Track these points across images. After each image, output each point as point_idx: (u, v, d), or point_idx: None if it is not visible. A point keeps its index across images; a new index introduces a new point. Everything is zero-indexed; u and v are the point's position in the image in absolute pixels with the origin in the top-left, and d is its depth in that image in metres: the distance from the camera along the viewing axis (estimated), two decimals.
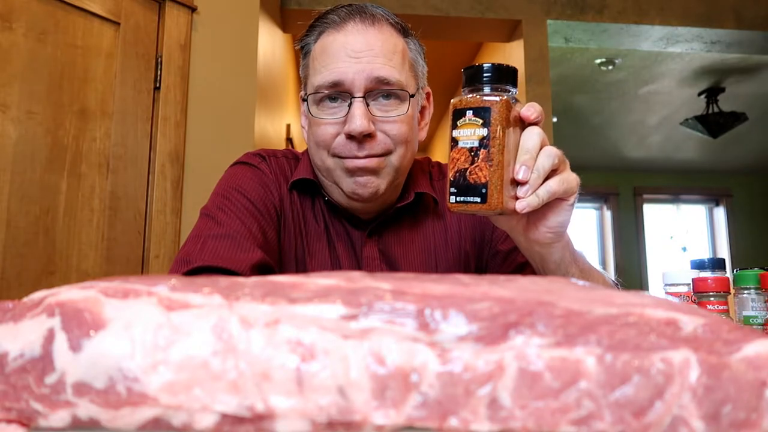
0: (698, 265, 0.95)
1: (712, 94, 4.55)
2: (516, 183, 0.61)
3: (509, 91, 0.61)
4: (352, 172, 0.80)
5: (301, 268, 0.86)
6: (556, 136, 3.30)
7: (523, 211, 0.61)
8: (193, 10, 1.90)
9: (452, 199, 0.61)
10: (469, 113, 0.60)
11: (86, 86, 1.65)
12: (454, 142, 0.61)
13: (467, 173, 0.60)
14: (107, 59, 1.71)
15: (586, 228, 6.02)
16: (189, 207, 1.83)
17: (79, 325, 0.32)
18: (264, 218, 0.83)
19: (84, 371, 0.31)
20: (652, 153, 5.66)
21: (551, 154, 0.62)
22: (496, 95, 0.60)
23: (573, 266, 0.72)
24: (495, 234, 0.90)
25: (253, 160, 0.89)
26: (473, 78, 0.61)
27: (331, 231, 0.88)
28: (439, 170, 0.97)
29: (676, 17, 2.99)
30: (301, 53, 0.87)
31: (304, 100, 0.84)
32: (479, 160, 0.59)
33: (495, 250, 0.90)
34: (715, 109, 4.61)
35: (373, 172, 0.80)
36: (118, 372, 0.31)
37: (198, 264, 0.75)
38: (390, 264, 0.88)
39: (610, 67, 4.15)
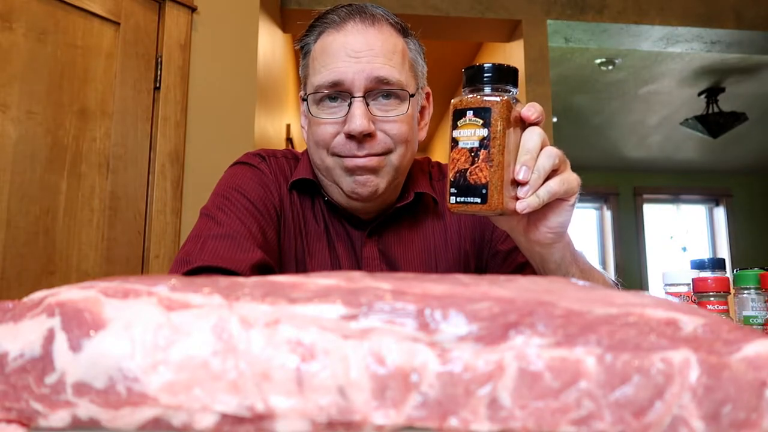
0: (698, 265, 0.95)
1: (712, 94, 4.55)
2: (516, 183, 0.61)
3: (510, 92, 0.61)
4: (352, 171, 0.81)
5: (301, 268, 0.86)
6: (556, 136, 3.30)
7: (524, 212, 0.61)
8: (193, 10, 1.90)
9: (452, 199, 0.61)
10: (470, 113, 0.60)
11: (86, 86, 1.65)
12: (455, 142, 0.60)
13: (467, 174, 0.59)
14: (107, 59, 1.71)
15: (586, 228, 6.02)
16: (189, 207, 1.83)
17: (79, 325, 0.32)
18: (264, 218, 0.83)
19: (84, 371, 0.31)
20: (652, 153, 5.66)
21: (552, 154, 0.62)
22: (496, 95, 0.60)
23: (573, 266, 0.72)
24: (495, 234, 0.90)
25: (252, 160, 0.89)
26: (473, 78, 0.61)
27: (331, 231, 0.88)
28: (438, 170, 0.97)
29: (676, 17, 2.99)
30: (301, 53, 0.87)
31: (304, 99, 0.84)
32: (479, 161, 0.59)
33: (495, 250, 0.90)
34: (715, 109, 4.61)
35: (373, 171, 0.81)
36: (118, 372, 0.31)
37: (198, 264, 0.75)
38: (390, 264, 0.88)
39: (610, 67, 4.15)
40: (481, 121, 0.59)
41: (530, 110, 0.62)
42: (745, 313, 0.84)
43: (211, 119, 1.91)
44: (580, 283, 0.36)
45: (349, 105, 0.79)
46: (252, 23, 2.05)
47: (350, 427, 0.30)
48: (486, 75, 0.60)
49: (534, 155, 0.61)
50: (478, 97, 0.60)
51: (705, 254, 6.06)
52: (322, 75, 0.80)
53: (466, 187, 0.60)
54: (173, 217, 1.80)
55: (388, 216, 0.88)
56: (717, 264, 0.94)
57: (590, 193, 5.92)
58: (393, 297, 0.32)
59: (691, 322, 0.32)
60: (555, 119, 4.57)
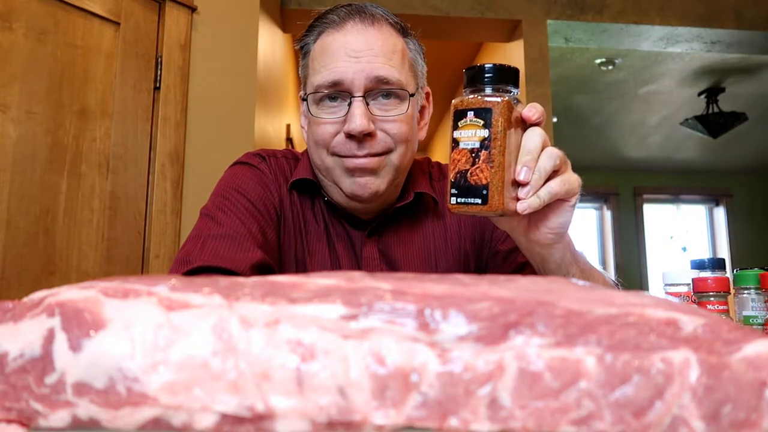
0: (698, 265, 0.95)
1: (712, 94, 4.55)
2: (517, 184, 0.61)
3: (511, 92, 0.61)
4: (352, 172, 0.81)
5: (301, 268, 0.86)
6: (557, 136, 3.30)
7: (524, 213, 0.61)
8: (193, 10, 1.90)
9: (453, 200, 0.61)
10: (471, 114, 0.59)
11: (86, 86, 1.65)
12: (455, 143, 0.60)
13: (468, 174, 0.59)
14: (107, 59, 1.71)
15: (586, 228, 6.02)
16: (189, 207, 1.82)
17: (79, 325, 0.32)
18: (264, 218, 0.83)
19: (84, 371, 0.31)
20: (652, 153, 5.66)
21: (553, 154, 0.62)
22: (497, 96, 0.59)
23: (573, 266, 0.72)
24: (495, 234, 0.90)
25: (252, 160, 0.89)
26: (474, 78, 0.61)
27: (331, 231, 0.88)
28: (439, 170, 0.97)
29: (676, 17, 2.99)
30: (301, 53, 0.87)
31: (304, 99, 0.84)
32: (480, 161, 0.59)
33: (495, 250, 0.90)
34: (715, 109, 4.61)
35: (373, 172, 0.81)
36: (118, 372, 0.31)
37: (198, 264, 0.75)
38: (390, 264, 0.88)
39: (610, 67, 4.15)
40: (482, 122, 0.59)
41: (531, 111, 0.62)
42: (745, 313, 0.84)
43: (211, 119, 1.91)
44: (580, 283, 0.36)
45: (349, 105, 0.79)
46: (252, 23, 2.05)
47: (350, 427, 0.30)
48: (487, 75, 0.60)
49: (535, 156, 0.61)
50: (479, 97, 0.60)
51: (705, 254, 6.06)
52: (321, 75, 0.80)
53: (466, 188, 0.59)
54: (173, 217, 1.80)
55: (388, 216, 0.88)
56: (717, 264, 0.94)
57: (590, 193, 5.92)
58: (393, 297, 0.32)
59: (691, 322, 0.32)
60: (555, 119, 4.57)
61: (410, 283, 0.33)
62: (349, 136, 0.79)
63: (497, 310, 0.31)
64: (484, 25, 2.95)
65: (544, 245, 0.68)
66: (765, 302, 0.83)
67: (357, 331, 0.31)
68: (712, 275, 0.88)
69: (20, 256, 1.47)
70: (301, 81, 0.88)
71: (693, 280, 0.84)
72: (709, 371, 0.30)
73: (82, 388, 0.31)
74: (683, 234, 6.25)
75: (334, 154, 0.81)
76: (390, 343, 0.31)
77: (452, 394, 0.30)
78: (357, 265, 0.87)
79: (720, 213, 6.18)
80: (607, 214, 6.02)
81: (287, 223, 0.86)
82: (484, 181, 0.59)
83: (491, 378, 0.30)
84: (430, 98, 0.93)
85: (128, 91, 1.75)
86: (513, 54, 3.02)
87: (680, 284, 0.88)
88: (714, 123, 4.54)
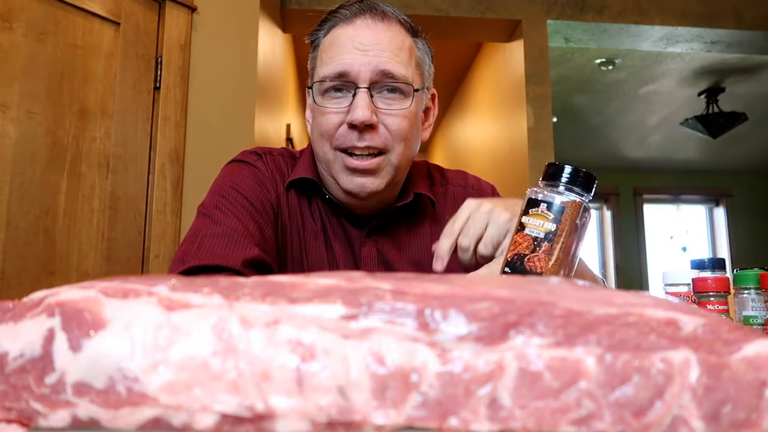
0: (698, 265, 0.95)
1: (712, 94, 4.55)
2: None
3: (583, 196, 0.64)
4: (351, 171, 0.81)
5: (298, 266, 0.86)
6: (557, 136, 3.30)
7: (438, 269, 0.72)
8: (193, 10, 1.90)
9: None
10: (543, 206, 0.62)
11: (86, 86, 1.65)
12: (521, 226, 0.63)
13: (525, 259, 0.62)
14: (107, 59, 1.71)
15: None
16: (189, 207, 1.82)
17: (79, 325, 0.32)
18: (261, 216, 0.83)
19: (84, 371, 0.31)
20: (652, 153, 5.66)
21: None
22: (571, 196, 0.62)
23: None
24: None
25: (249, 158, 0.89)
26: (555, 175, 0.64)
27: (328, 230, 0.88)
28: (441, 175, 0.98)
29: (676, 17, 2.99)
30: (311, 47, 0.88)
31: (309, 88, 0.85)
32: (540, 251, 0.61)
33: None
34: (715, 109, 4.61)
35: (372, 173, 0.81)
36: (118, 372, 0.31)
37: (194, 263, 0.75)
38: (387, 264, 0.88)
39: (610, 67, 4.15)
40: (552, 216, 0.62)
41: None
42: (745, 313, 0.84)
43: (211, 119, 1.91)
44: (580, 283, 0.36)
45: (354, 96, 0.80)
46: (252, 23, 2.05)
47: (350, 427, 0.30)
48: (566, 175, 0.63)
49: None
50: (555, 193, 0.63)
51: (705, 254, 6.06)
52: (329, 66, 0.81)
53: (520, 271, 0.62)
54: (173, 217, 1.80)
55: (387, 215, 0.88)
56: (717, 264, 0.94)
57: None
58: (393, 297, 0.32)
59: (691, 322, 0.32)
60: (555, 119, 4.57)
61: (410, 283, 0.33)
62: (351, 126, 0.80)
63: (497, 310, 0.31)
64: (484, 25, 2.95)
65: None
66: (765, 302, 0.83)
67: (357, 331, 0.31)
68: (712, 275, 0.88)
69: (20, 256, 1.47)
70: (309, 74, 0.89)
71: (693, 280, 0.84)
72: (709, 371, 0.30)
73: (82, 388, 0.31)
74: (683, 234, 6.25)
75: (336, 148, 0.82)
76: (390, 343, 0.31)
77: (452, 394, 0.30)
78: (354, 263, 0.87)
79: (720, 213, 6.18)
80: (607, 214, 6.02)
81: (284, 221, 0.87)
82: (539, 270, 0.61)
83: (491, 378, 0.30)
84: (436, 100, 0.93)
85: (128, 91, 1.75)
86: (513, 54, 3.02)
87: (680, 284, 0.88)
88: (714, 123, 4.54)
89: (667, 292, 0.89)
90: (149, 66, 1.81)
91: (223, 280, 0.35)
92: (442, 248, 0.74)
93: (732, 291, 0.84)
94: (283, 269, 0.86)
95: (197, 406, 0.30)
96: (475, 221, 0.72)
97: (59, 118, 1.58)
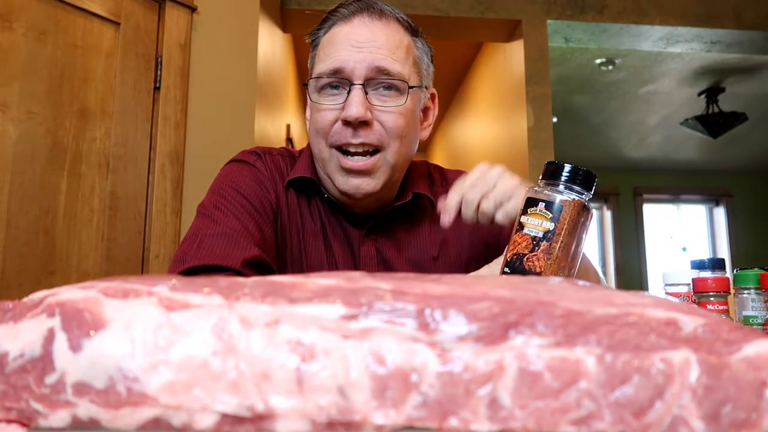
0: (698, 265, 0.95)
1: (712, 94, 4.55)
2: None
3: (583, 195, 0.63)
4: (347, 171, 0.81)
5: (297, 266, 0.86)
6: (556, 136, 3.30)
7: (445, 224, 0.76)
8: (193, 10, 1.90)
9: None
10: (541, 205, 0.62)
11: (86, 86, 1.65)
12: (520, 226, 0.63)
13: (524, 259, 0.62)
14: (107, 59, 1.71)
15: None
16: (189, 207, 1.82)
17: (79, 325, 0.32)
18: (261, 216, 0.83)
19: (84, 371, 0.31)
20: (652, 153, 5.66)
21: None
22: (570, 195, 0.62)
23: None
24: (501, 242, 0.91)
25: (248, 157, 0.89)
26: (553, 174, 0.64)
27: (328, 229, 0.88)
28: (441, 175, 0.97)
29: (676, 17, 2.99)
30: (311, 46, 0.89)
31: (305, 85, 0.85)
32: (539, 251, 0.61)
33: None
34: (715, 109, 4.61)
35: (368, 173, 0.81)
36: (118, 372, 0.31)
37: (193, 263, 0.75)
38: (386, 263, 0.88)
39: (610, 67, 4.15)
40: (551, 215, 0.61)
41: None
42: (745, 313, 0.84)
43: (211, 119, 1.91)
44: (580, 283, 0.36)
45: (349, 92, 0.80)
46: (252, 23, 2.05)
47: (350, 427, 0.30)
48: (565, 174, 0.63)
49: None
50: (553, 192, 0.63)
51: (705, 254, 6.06)
52: (325, 63, 0.82)
53: (519, 271, 0.62)
54: (173, 217, 1.80)
55: (386, 215, 0.88)
56: (717, 264, 0.94)
57: None
58: (393, 297, 0.32)
59: (691, 322, 0.32)
60: (555, 119, 4.57)
61: (410, 283, 0.33)
62: (346, 122, 0.80)
63: (497, 310, 0.31)
64: (484, 25, 2.95)
65: None
66: (765, 302, 0.83)
67: (357, 331, 0.31)
68: (712, 275, 0.88)
69: (20, 256, 1.47)
70: (309, 72, 0.89)
71: (693, 280, 0.84)
72: (709, 371, 0.30)
73: (82, 388, 0.31)
74: (683, 234, 6.25)
75: (331, 145, 0.82)
76: (390, 343, 0.31)
77: (452, 394, 0.30)
78: (353, 263, 0.87)
79: (720, 213, 6.18)
80: (607, 214, 6.02)
81: (283, 220, 0.87)
82: (538, 270, 0.61)
83: (491, 378, 0.30)
84: (436, 100, 0.93)
85: (128, 91, 1.75)
86: (513, 54, 3.02)
87: (680, 284, 0.88)
88: (714, 123, 4.54)
89: (667, 292, 0.89)
90: (149, 66, 1.81)
91: (223, 280, 0.35)
92: (450, 202, 0.76)
93: (732, 291, 0.84)
94: (282, 269, 0.86)
95: (197, 406, 0.30)
96: (485, 179, 0.75)
97: (59, 118, 1.58)
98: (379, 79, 0.80)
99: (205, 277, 0.36)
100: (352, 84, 0.80)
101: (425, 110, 0.90)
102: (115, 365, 0.31)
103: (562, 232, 0.61)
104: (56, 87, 1.58)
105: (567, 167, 0.63)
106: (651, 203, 6.16)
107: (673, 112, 4.88)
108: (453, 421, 0.30)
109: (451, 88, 4.38)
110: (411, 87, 0.82)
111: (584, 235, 0.64)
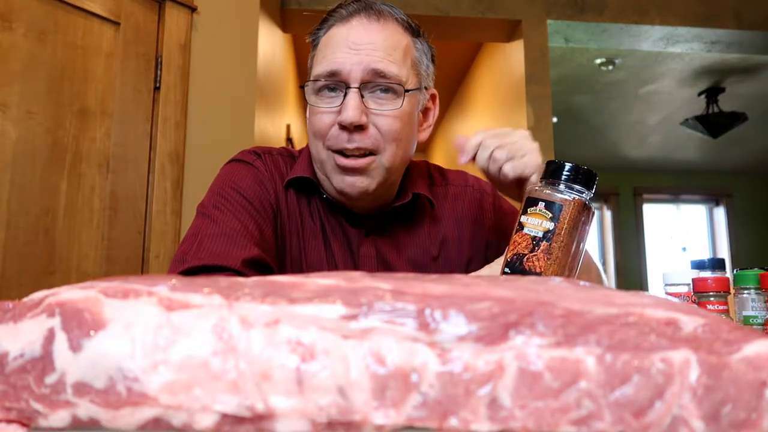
0: (698, 265, 0.95)
1: (712, 94, 4.55)
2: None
3: (583, 194, 0.63)
4: (342, 170, 0.81)
5: (297, 265, 0.86)
6: (556, 136, 3.30)
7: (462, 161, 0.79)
8: (193, 10, 1.90)
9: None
10: (541, 204, 0.62)
11: (86, 86, 1.65)
12: (520, 225, 0.63)
13: (524, 259, 0.62)
14: (107, 59, 1.71)
15: None
16: (189, 207, 1.82)
17: (79, 325, 0.32)
18: (261, 216, 0.83)
19: (84, 371, 0.31)
20: (652, 153, 5.66)
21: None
22: (570, 194, 0.62)
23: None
24: (502, 241, 0.91)
25: (248, 157, 0.89)
26: (553, 173, 0.64)
27: (327, 229, 0.88)
28: (441, 175, 0.97)
29: (676, 17, 2.99)
30: (311, 45, 0.89)
31: (302, 87, 0.85)
32: (539, 251, 0.61)
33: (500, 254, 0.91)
34: (715, 109, 4.61)
35: (362, 171, 0.81)
36: (118, 372, 0.31)
37: (193, 263, 0.75)
38: (386, 263, 0.88)
39: (610, 67, 4.15)
40: (550, 215, 0.61)
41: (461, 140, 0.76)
42: (745, 313, 0.84)
43: (211, 119, 1.91)
44: (581, 283, 0.36)
45: (345, 95, 0.79)
46: (252, 23, 2.05)
47: (350, 427, 0.30)
48: (565, 173, 0.63)
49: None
50: (553, 191, 0.62)
51: (705, 254, 6.06)
52: (322, 65, 0.82)
53: (519, 271, 0.62)
54: (173, 217, 1.80)
55: (386, 215, 0.88)
56: (717, 264, 0.94)
57: None
58: (393, 297, 0.32)
59: (691, 322, 0.32)
60: (555, 119, 4.57)
61: (410, 283, 0.33)
62: (342, 126, 0.80)
63: (497, 310, 0.31)
64: (484, 25, 2.95)
65: None
66: (765, 302, 0.83)
67: (357, 331, 0.31)
68: (712, 275, 0.88)
69: (20, 256, 1.47)
70: (308, 72, 0.89)
71: (693, 280, 0.84)
72: (709, 371, 0.30)
73: (82, 388, 0.31)
74: (683, 234, 6.25)
75: (328, 148, 0.82)
76: (390, 343, 0.31)
77: (452, 394, 0.30)
78: (353, 263, 0.87)
79: (720, 213, 6.18)
80: (607, 214, 6.02)
81: (283, 220, 0.87)
82: (538, 270, 0.61)
83: (491, 378, 0.30)
84: (436, 100, 0.93)
85: (128, 91, 1.75)
86: (513, 54, 3.02)
87: (680, 284, 0.88)
88: (714, 123, 4.54)
89: (667, 292, 0.89)
90: (149, 66, 1.81)
91: (223, 280, 0.35)
92: (470, 144, 0.79)
93: (732, 291, 0.84)
94: (282, 269, 0.86)
95: (197, 406, 0.30)
96: (507, 133, 0.76)
97: (59, 118, 1.58)
98: (375, 82, 0.80)
99: (205, 277, 0.36)
100: (348, 87, 0.79)
101: (425, 111, 0.90)
102: (115, 365, 0.31)
103: (562, 232, 0.60)
104: (56, 87, 1.58)
105: (567, 166, 0.63)
106: (651, 203, 6.16)
107: (673, 112, 4.89)
108: (453, 421, 0.30)
109: (451, 88, 4.38)
110: (407, 90, 0.82)
111: (585, 235, 0.64)
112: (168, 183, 1.80)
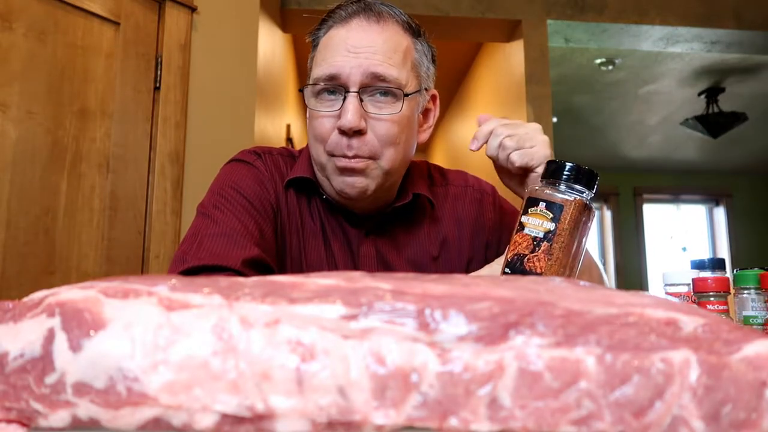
0: (698, 265, 0.95)
1: (712, 94, 4.55)
2: None
3: (584, 194, 0.63)
4: (341, 171, 0.81)
5: (297, 265, 0.86)
6: (556, 136, 3.30)
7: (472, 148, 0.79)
8: (193, 10, 1.90)
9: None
10: (542, 205, 0.62)
11: (86, 86, 1.65)
12: (521, 226, 0.63)
13: (525, 259, 0.61)
14: (107, 59, 1.71)
15: None
16: (189, 207, 1.82)
17: (79, 325, 0.32)
18: (261, 216, 0.83)
19: (84, 371, 0.31)
20: (652, 153, 5.66)
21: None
22: (571, 194, 0.61)
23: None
24: (502, 240, 0.91)
25: (248, 157, 0.89)
26: (554, 173, 0.63)
27: (327, 229, 0.88)
28: (441, 175, 0.97)
29: (676, 17, 2.99)
30: (311, 45, 0.88)
31: (301, 90, 0.85)
32: (539, 251, 0.61)
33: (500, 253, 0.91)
34: (715, 109, 4.61)
35: (361, 172, 0.81)
36: (118, 372, 0.31)
37: (193, 263, 0.75)
38: (386, 263, 0.88)
39: (610, 67, 4.15)
40: (551, 215, 0.61)
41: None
42: (745, 313, 0.84)
43: (211, 119, 1.91)
44: (581, 283, 0.36)
45: (344, 99, 0.79)
46: (252, 23, 2.05)
47: (350, 427, 0.30)
48: (566, 173, 0.63)
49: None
50: (554, 192, 0.62)
51: (705, 254, 6.06)
52: (321, 68, 0.81)
53: (520, 271, 0.62)
54: (173, 217, 1.80)
55: (386, 215, 0.88)
56: (717, 264, 0.94)
57: None
58: (393, 297, 0.32)
59: (691, 322, 0.32)
60: (555, 119, 4.57)
61: (410, 283, 0.33)
62: (341, 131, 0.80)
63: (497, 310, 0.31)
64: (484, 25, 2.95)
65: None
66: (765, 302, 0.83)
67: (357, 331, 0.31)
68: (712, 275, 0.88)
69: (20, 256, 1.47)
70: (308, 72, 0.89)
71: (693, 280, 0.84)
72: (709, 371, 0.30)
73: (82, 388, 0.31)
74: (683, 234, 6.25)
75: (328, 153, 0.82)
76: (390, 343, 0.31)
77: (452, 394, 0.30)
78: (353, 263, 0.87)
79: (720, 213, 6.18)
80: (607, 214, 6.02)
81: (283, 220, 0.87)
82: (539, 270, 0.61)
83: (491, 378, 0.30)
84: (437, 101, 0.92)
85: (128, 91, 1.75)
86: (513, 54, 3.02)
87: (680, 284, 0.88)
88: (714, 123, 4.54)
89: (667, 292, 0.89)
90: (149, 66, 1.81)
91: (223, 280, 0.35)
92: (482, 131, 0.80)
93: (732, 291, 0.84)
94: (281, 268, 0.86)
95: (197, 406, 0.30)
96: (519, 124, 0.78)
97: (59, 118, 1.58)
98: (375, 86, 0.80)
99: (205, 277, 0.36)
100: (347, 91, 0.79)
101: (425, 112, 0.90)
102: (115, 365, 0.31)
103: (563, 233, 0.60)
104: (56, 87, 1.58)
105: (568, 166, 0.62)
106: (651, 203, 6.17)
107: (673, 112, 4.89)
108: (453, 421, 0.30)
109: (451, 88, 4.38)
110: (407, 94, 0.82)
111: (586, 235, 0.64)
112: (168, 183, 1.80)
